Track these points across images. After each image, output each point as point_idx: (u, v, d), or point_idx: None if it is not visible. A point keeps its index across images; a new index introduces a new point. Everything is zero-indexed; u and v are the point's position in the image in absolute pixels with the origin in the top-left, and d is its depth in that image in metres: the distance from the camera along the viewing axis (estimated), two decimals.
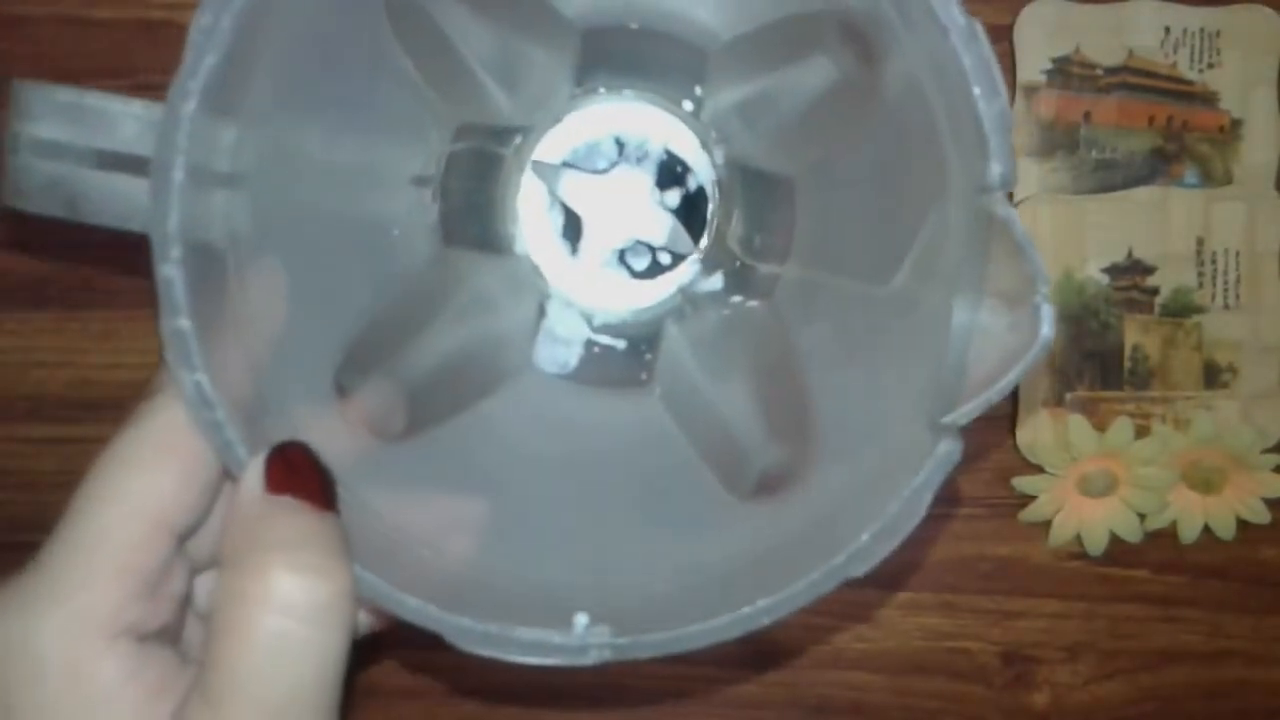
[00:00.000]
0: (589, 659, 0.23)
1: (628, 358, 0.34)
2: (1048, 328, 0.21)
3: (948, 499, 0.40)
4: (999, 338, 0.22)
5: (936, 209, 0.25)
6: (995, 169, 0.22)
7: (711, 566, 0.25)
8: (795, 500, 0.27)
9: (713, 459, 0.30)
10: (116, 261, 0.38)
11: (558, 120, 0.34)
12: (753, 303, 0.34)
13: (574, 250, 0.34)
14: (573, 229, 0.35)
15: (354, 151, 0.29)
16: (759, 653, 0.40)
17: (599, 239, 0.34)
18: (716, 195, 0.34)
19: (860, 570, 0.23)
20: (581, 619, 0.23)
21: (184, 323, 0.22)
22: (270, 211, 0.25)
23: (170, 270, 0.22)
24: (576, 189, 0.34)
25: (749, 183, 0.34)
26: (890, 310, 0.27)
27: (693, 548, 0.27)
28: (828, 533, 0.24)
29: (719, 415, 0.32)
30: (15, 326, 0.38)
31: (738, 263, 0.34)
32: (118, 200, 0.22)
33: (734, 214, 0.34)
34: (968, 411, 0.22)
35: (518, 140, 0.34)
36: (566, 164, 0.34)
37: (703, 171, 0.35)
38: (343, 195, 0.29)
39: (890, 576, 0.40)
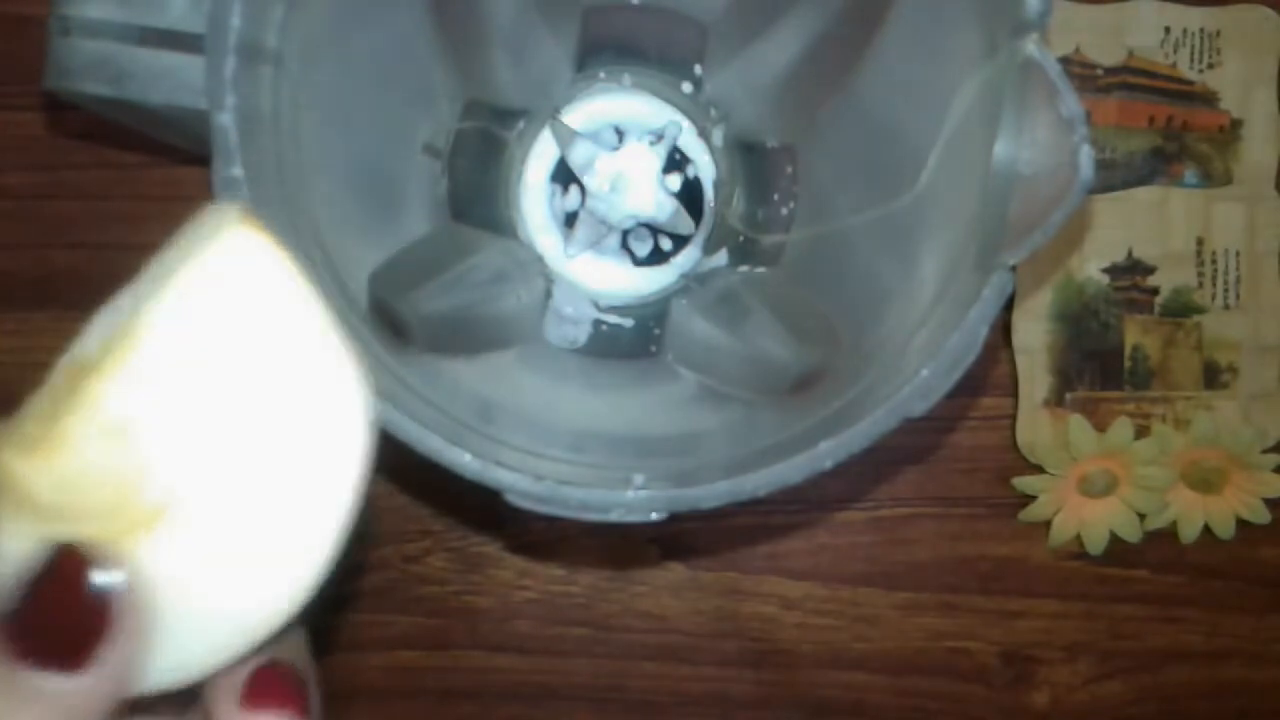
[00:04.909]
0: (649, 514, 0.22)
1: (636, 333, 0.34)
2: (1087, 169, 0.21)
3: (948, 499, 0.40)
4: (1040, 182, 0.22)
5: (967, 79, 0.24)
6: (1032, 3, 0.22)
7: (764, 436, 0.25)
8: (840, 382, 0.26)
9: (741, 385, 0.30)
10: (116, 261, 0.38)
11: (558, 111, 0.34)
12: (760, 269, 0.34)
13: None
14: (575, 218, 0.34)
15: (369, 95, 0.29)
16: (759, 653, 0.40)
17: (598, 215, 0.34)
18: (715, 182, 0.34)
19: (921, 408, 0.22)
20: (639, 478, 0.23)
21: (237, 171, 0.22)
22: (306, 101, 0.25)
23: (225, 119, 0.22)
24: (587, 159, 0.34)
25: (750, 159, 0.34)
26: (915, 204, 0.27)
27: (740, 429, 0.27)
28: (888, 382, 0.23)
29: (741, 354, 0.31)
30: (15, 326, 0.38)
31: (741, 238, 0.34)
32: (166, 76, 0.23)
33: (735, 193, 0.34)
34: (1015, 253, 0.22)
35: (520, 125, 0.34)
36: (580, 134, 0.34)
37: (701, 159, 0.35)
38: (362, 135, 0.29)
39: (890, 576, 0.40)
